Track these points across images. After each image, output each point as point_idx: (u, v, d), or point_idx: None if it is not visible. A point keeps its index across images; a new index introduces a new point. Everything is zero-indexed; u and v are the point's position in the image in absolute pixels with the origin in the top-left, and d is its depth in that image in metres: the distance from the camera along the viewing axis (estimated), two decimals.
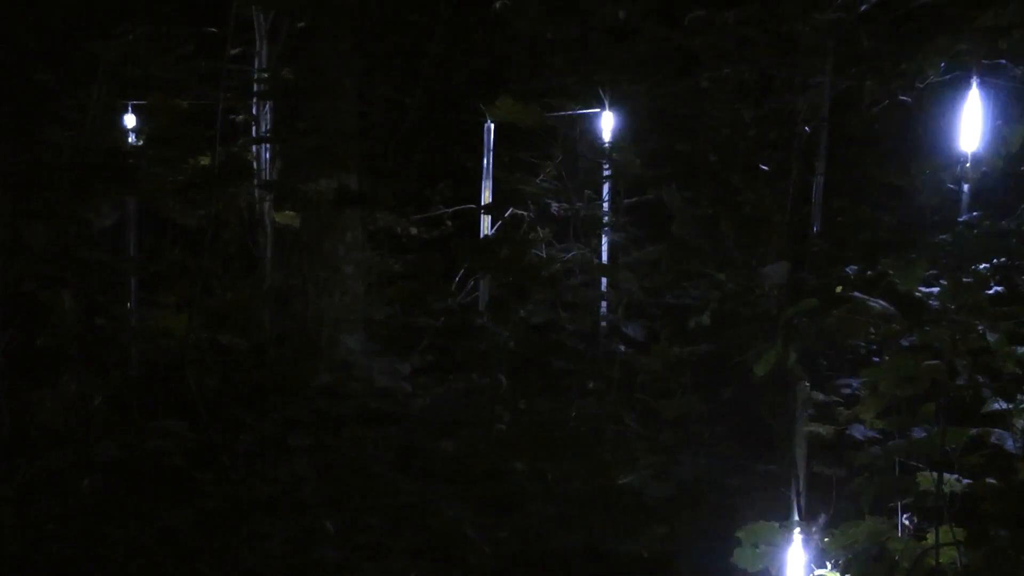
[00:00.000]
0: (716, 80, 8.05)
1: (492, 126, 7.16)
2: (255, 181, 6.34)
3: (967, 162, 5.89)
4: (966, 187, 6.04)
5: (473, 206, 7.33)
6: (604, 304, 6.91)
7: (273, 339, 6.28)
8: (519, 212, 7.37)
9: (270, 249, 6.62)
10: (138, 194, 5.94)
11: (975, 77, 6.31)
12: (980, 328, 4.29)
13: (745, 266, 6.67)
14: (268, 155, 6.62)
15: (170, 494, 4.97)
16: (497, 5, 8.18)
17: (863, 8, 7.50)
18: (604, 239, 6.92)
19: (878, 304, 4.48)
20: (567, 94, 7.36)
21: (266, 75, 6.43)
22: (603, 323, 6.75)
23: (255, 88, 6.44)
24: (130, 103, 6.14)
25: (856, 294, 4.59)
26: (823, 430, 4.84)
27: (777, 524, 4.41)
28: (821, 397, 5.02)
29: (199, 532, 4.74)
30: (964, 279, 4.60)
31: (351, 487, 5.08)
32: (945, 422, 4.35)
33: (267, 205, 6.60)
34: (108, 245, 6.13)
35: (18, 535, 4.67)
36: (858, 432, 4.91)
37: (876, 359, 5.44)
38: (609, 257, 6.99)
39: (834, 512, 4.67)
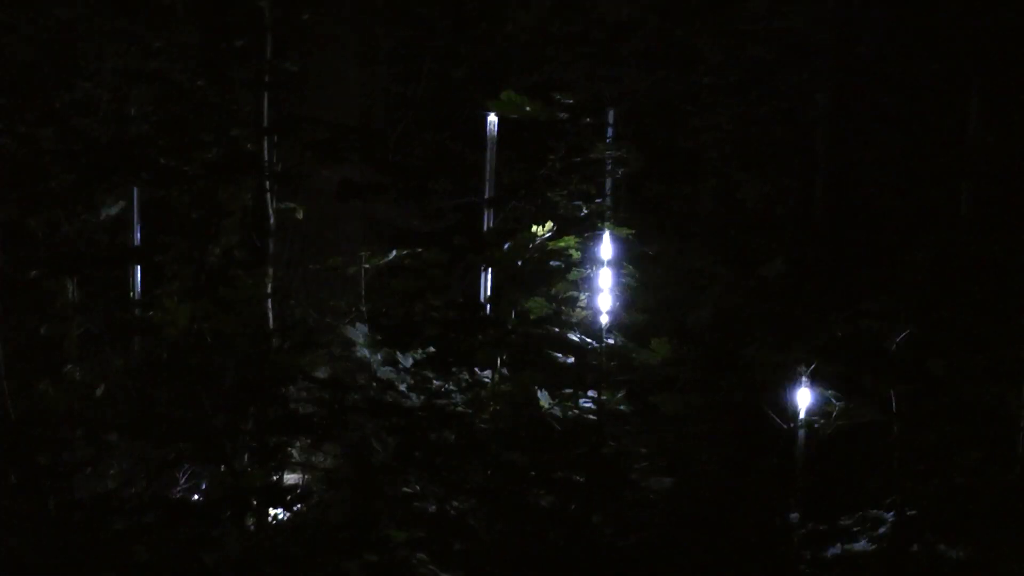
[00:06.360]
0: (719, 76, 8.07)
1: (495, 119, 7.18)
2: (259, 172, 6.35)
3: (967, 159, 5.92)
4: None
5: (475, 199, 7.35)
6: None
7: (276, 330, 6.29)
8: (521, 205, 7.38)
9: (273, 240, 6.63)
10: (142, 184, 5.96)
11: (977, 74, 6.34)
12: (980, 324, 4.32)
13: (747, 262, 6.70)
14: (269, 146, 6.62)
15: (173, 483, 5.00)
16: None
17: (865, 6, 7.53)
18: (606, 233, 6.93)
19: (880, 301, 4.52)
20: (570, 88, 7.38)
21: (271, 66, 6.43)
22: (604, 316, 6.76)
23: (260, 79, 6.44)
24: (136, 93, 6.15)
25: (858, 290, 4.62)
26: (823, 426, 4.87)
27: (777, 519, 4.45)
28: (822, 393, 5.05)
29: (202, 519, 4.76)
30: (965, 275, 4.63)
31: (353, 477, 5.10)
32: (945, 419, 4.38)
33: (270, 196, 6.61)
34: (112, 234, 6.15)
35: (23, 521, 4.70)
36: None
37: (877, 355, 5.47)
38: (611, 251, 7.00)
39: (834, 507, 4.71)
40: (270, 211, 6.55)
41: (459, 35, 9.59)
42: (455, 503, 5.02)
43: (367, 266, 7.18)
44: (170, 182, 5.77)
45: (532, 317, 6.71)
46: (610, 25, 8.21)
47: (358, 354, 6.45)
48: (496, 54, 9.37)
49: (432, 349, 6.75)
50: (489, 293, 7.00)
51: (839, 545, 4.52)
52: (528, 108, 6.58)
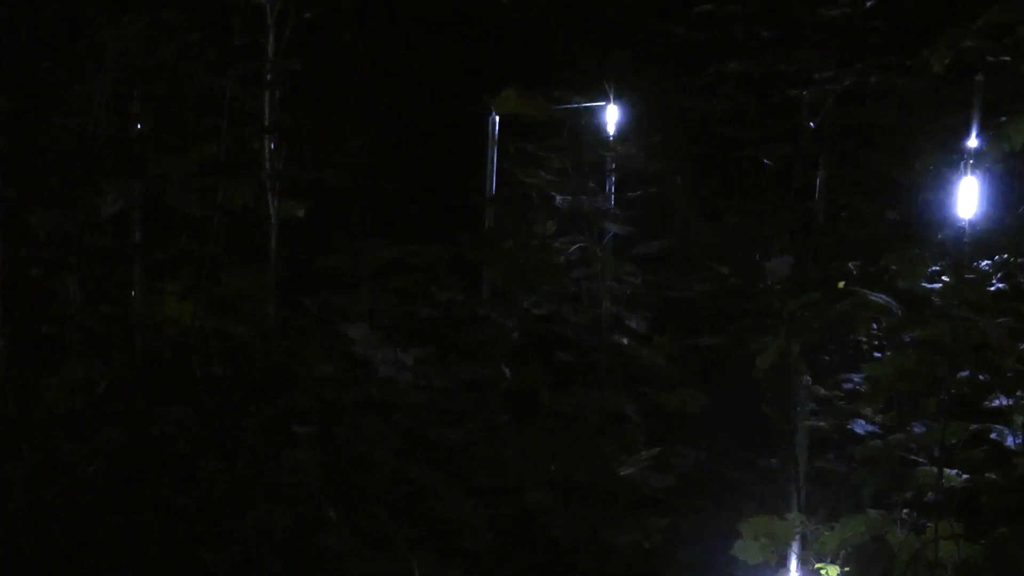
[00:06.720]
0: (721, 74, 8.06)
1: (496, 118, 7.18)
2: (261, 171, 6.36)
3: (971, 158, 5.90)
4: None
5: (477, 197, 7.35)
6: (607, 296, 6.92)
7: (277, 328, 6.30)
8: (523, 204, 7.38)
9: (274, 239, 6.64)
10: (144, 182, 5.96)
11: (980, 73, 6.34)
12: (981, 324, 4.31)
13: (748, 260, 6.69)
14: (273, 144, 6.63)
15: (174, 481, 5.00)
16: None
17: (869, 4, 7.52)
18: (608, 232, 6.93)
19: (880, 299, 4.51)
20: (572, 86, 7.38)
21: (271, 65, 6.44)
22: (605, 315, 6.76)
23: (260, 78, 6.44)
24: (136, 91, 6.15)
25: (858, 289, 4.62)
26: (824, 424, 4.87)
27: (777, 517, 4.44)
28: (822, 391, 5.04)
29: (203, 519, 4.77)
30: (966, 275, 4.62)
31: (354, 476, 5.10)
32: (946, 417, 4.37)
33: (271, 194, 6.62)
34: (113, 232, 6.14)
35: (24, 520, 4.70)
36: (859, 426, 4.94)
37: (878, 354, 5.47)
38: (613, 250, 7.00)
39: (834, 506, 4.70)
40: (271, 209, 6.56)
41: (461, 33, 9.58)
42: (456, 501, 5.03)
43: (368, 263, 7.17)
44: (171, 181, 5.77)
45: (534, 315, 6.71)
46: (612, 23, 8.21)
47: (359, 352, 6.45)
48: (498, 52, 9.35)
49: (433, 347, 6.75)
50: (491, 291, 7.00)
51: (841, 544, 4.52)
52: (529, 106, 6.57)
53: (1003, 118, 5.14)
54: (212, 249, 5.87)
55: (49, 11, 6.05)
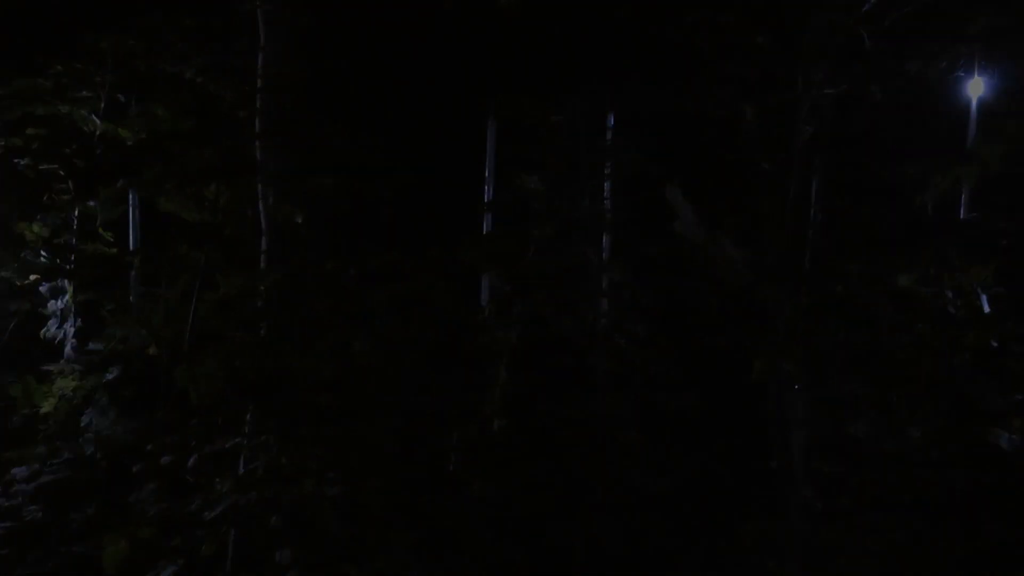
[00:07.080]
0: (718, 78, 8.06)
1: (495, 123, 7.20)
2: (258, 176, 6.36)
3: (968, 161, 5.91)
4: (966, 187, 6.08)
5: (476, 202, 7.36)
6: (605, 301, 6.93)
7: (276, 331, 6.29)
8: (522, 209, 7.38)
9: (266, 242, 6.64)
10: (141, 187, 5.98)
11: (976, 77, 6.36)
12: (979, 327, 4.33)
13: (747, 263, 6.69)
14: (263, 150, 6.63)
15: (173, 486, 5.00)
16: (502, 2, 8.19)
17: (865, 8, 7.52)
18: (606, 236, 6.94)
19: (878, 302, 4.52)
20: (570, 91, 7.39)
21: (264, 71, 6.44)
22: (604, 319, 6.77)
23: (259, 83, 6.45)
24: (135, 96, 6.17)
25: (857, 292, 4.63)
26: (823, 427, 4.87)
27: (777, 520, 4.45)
28: (821, 394, 5.04)
29: (202, 523, 4.76)
30: (964, 278, 4.63)
31: (353, 479, 5.10)
32: (944, 420, 4.38)
33: (265, 198, 6.61)
34: (113, 236, 6.17)
35: (22, 525, 4.71)
36: (858, 429, 4.94)
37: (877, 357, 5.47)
38: (611, 254, 7.01)
39: (833, 508, 4.71)
40: (268, 214, 6.56)
41: (460, 37, 9.58)
42: (456, 504, 5.03)
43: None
44: (168, 186, 5.79)
45: (532, 319, 6.71)
46: (611, 27, 8.20)
47: (357, 355, 6.44)
48: (498, 56, 9.35)
49: (433, 351, 6.74)
50: (489, 295, 7.01)
51: (839, 546, 4.52)
52: (528, 111, 6.59)
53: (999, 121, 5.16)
54: (209, 253, 5.88)
55: (51, 16, 6.07)
